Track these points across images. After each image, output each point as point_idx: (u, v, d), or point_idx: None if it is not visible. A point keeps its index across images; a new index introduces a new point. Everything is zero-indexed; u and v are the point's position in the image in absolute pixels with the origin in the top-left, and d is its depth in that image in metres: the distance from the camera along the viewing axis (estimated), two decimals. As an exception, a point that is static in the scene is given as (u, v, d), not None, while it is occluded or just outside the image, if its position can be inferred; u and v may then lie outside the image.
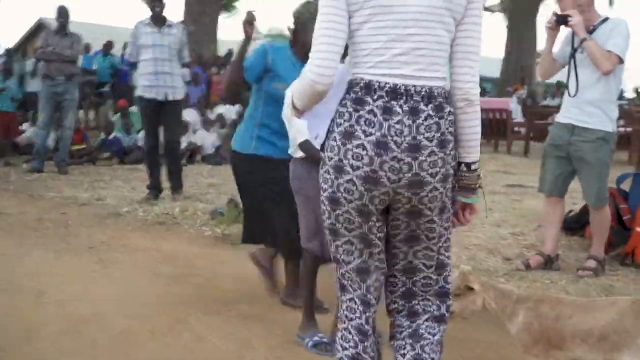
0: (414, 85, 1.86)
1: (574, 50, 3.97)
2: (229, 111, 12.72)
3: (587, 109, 4.01)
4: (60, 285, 3.86)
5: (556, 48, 4.25)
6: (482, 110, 9.15)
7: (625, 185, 4.92)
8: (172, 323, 3.34)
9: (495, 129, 12.16)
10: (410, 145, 1.83)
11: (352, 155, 1.85)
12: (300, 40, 3.30)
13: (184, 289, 3.90)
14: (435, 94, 1.88)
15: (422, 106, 1.85)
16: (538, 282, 4.18)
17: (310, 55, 1.93)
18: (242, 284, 4.03)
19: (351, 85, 1.92)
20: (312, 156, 3.01)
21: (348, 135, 1.86)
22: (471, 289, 2.55)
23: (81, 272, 4.18)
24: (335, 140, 1.89)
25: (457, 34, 1.93)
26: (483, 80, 20.79)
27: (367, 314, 2.07)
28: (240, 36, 3.61)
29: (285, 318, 3.45)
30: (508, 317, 2.53)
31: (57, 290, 3.77)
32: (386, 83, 1.85)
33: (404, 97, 1.84)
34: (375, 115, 1.84)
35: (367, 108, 1.85)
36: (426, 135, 1.84)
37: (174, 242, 5.07)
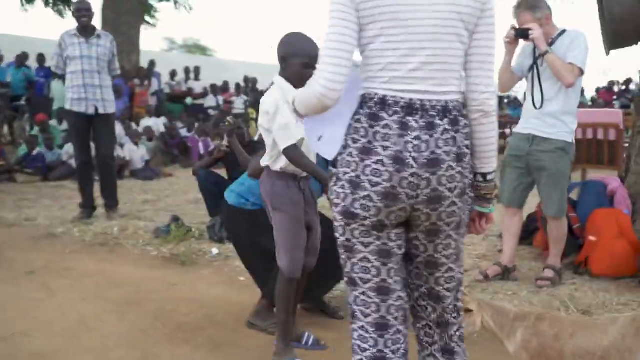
0: (430, 100, 1.83)
1: (535, 62, 4.01)
2: (156, 124, 12.34)
3: (547, 120, 4.06)
4: (5, 319, 3.52)
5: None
6: None
7: (573, 195, 5.03)
8: (140, 357, 3.10)
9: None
10: (429, 160, 1.80)
11: (371, 172, 1.81)
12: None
13: (141, 317, 3.65)
14: (450, 107, 1.85)
15: (437, 121, 1.82)
16: (500, 294, 4.17)
17: (318, 67, 1.85)
18: (200, 308, 3.82)
19: (365, 100, 1.87)
20: (299, 164, 2.92)
21: (366, 151, 1.81)
22: (469, 310, 2.48)
23: (26, 301, 3.83)
24: (352, 156, 1.84)
25: (471, 43, 1.89)
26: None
27: (384, 338, 1.94)
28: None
29: (258, 343, 3.29)
30: (506, 335, 2.48)
31: (2, 324, 3.43)
32: (401, 98, 1.82)
33: (420, 113, 1.81)
34: (391, 130, 1.80)
35: (382, 123, 1.81)
36: (444, 149, 1.81)
37: (119, 264, 4.77)
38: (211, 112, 14.22)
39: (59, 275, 4.42)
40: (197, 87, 15.18)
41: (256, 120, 5.74)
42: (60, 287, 4.14)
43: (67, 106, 6.26)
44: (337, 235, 1.95)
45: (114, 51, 6.46)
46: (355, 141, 1.84)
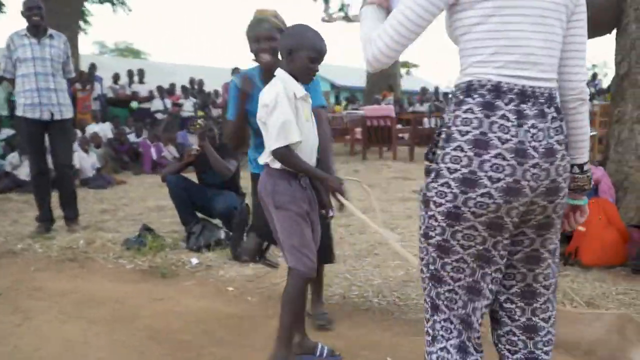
0: (539, 87, 1.73)
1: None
2: (103, 130, 11.84)
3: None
4: (-20, 348, 3.17)
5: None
6: (369, 118, 9.38)
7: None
8: (144, 382, 2.83)
9: (380, 136, 12.28)
10: (547, 149, 1.71)
11: (491, 167, 1.67)
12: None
13: (132, 336, 3.35)
14: (554, 95, 1.78)
15: (546, 109, 1.73)
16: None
17: (384, 26, 1.76)
18: (194, 323, 3.56)
19: (473, 87, 1.73)
20: (290, 165, 2.76)
21: (482, 144, 1.67)
22: None
23: (0, 327, 3.48)
24: (462, 150, 1.69)
25: (567, 31, 1.81)
26: (355, 90, 21.40)
27: (469, 334, 1.83)
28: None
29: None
30: None
31: (-22, 354, 3.10)
32: (515, 85, 1.70)
33: (532, 100, 1.71)
34: (508, 120, 1.68)
35: (500, 113, 1.68)
36: (555, 138, 1.73)
37: (94, 280, 4.44)
38: (159, 115, 13.77)
39: (29, 296, 4.06)
40: (142, 90, 14.70)
41: (205, 122, 5.48)
42: (35, 309, 3.78)
43: (19, 112, 5.84)
44: (431, 233, 1.79)
45: (68, 52, 6.09)
46: (463, 133, 1.70)
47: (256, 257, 4.87)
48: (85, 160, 9.62)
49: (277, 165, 2.78)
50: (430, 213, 1.77)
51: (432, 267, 1.83)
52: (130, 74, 15.09)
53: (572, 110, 1.84)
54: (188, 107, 14.03)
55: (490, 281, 1.80)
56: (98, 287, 4.22)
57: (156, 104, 14.44)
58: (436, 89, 21.81)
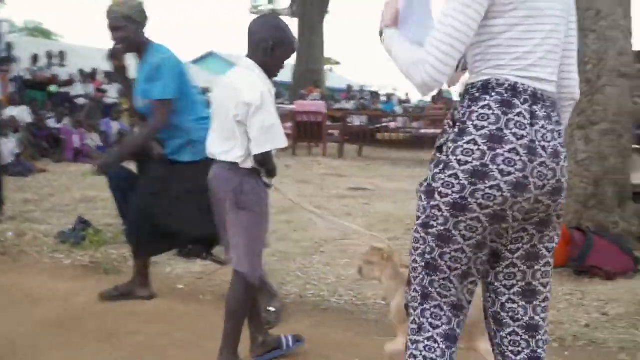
0: (547, 91, 1.82)
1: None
2: (20, 113, 11.20)
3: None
4: None
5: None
6: (299, 113, 9.44)
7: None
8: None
9: (310, 132, 12.25)
10: (554, 150, 1.79)
11: (504, 160, 1.72)
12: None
13: (84, 339, 3.15)
14: (556, 99, 1.87)
15: (551, 112, 1.82)
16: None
17: (429, 47, 1.74)
18: (145, 323, 3.41)
19: (491, 85, 1.79)
20: (269, 169, 2.74)
21: (496, 139, 1.73)
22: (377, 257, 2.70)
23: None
24: (476, 144, 1.74)
25: (566, 33, 1.89)
26: (280, 85, 21.09)
27: (459, 319, 1.92)
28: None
29: None
30: (390, 295, 2.71)
31: None
32: (529, 87, 1.78)
33: (541, 102, 1.79)
34: (525, 118, 1.75)
35: (517, 111, 1.75)
36: (559, 141, 1.82)
37: (30, 275, 4.16)
38: (81, 100, 13.16)
39: (-41, 292, 3.76)
40: (63, 73, 14.03)
41: (129, 110, 5.30)
42: (-31, 307, 3.51)
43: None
44: (432, 222, 1.82)
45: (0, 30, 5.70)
46: (479, 127, 1.75)
47: (203, 254, 4.74)
48: (5, 146, 9.04)
49: (248, 164, 2.69)
50: (433, 203, 1.81)
51: (428, 257, 1.86)
52: (49, 55, 14.36)
53: (562, 109, 1.94)
54: (112, 93, 13.49)
55: (480, 263, 1.88)
56: (37, 284, 3.97)
57: (77, 89, 13.81)
58: (361, 87, 22.12)
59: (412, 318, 1.94)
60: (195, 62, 29.45)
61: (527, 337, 1.93)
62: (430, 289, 1.88)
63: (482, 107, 1.77)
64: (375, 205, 7.18)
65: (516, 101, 1.76)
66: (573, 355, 3.14)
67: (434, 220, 1.81)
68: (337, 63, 43.93)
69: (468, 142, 1.75)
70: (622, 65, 4.96)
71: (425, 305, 1.90)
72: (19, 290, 3.84)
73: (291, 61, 21.98)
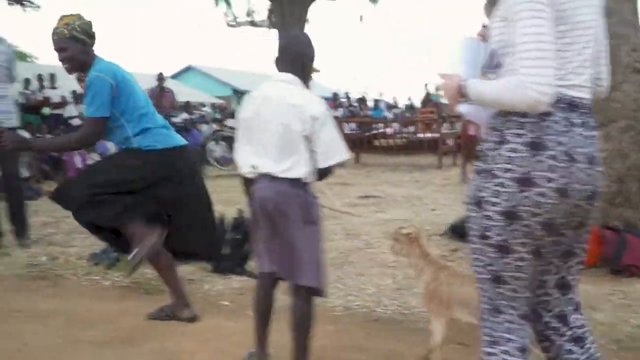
0: (583, 98, 1.88)
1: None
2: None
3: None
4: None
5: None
6: None
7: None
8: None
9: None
10: (590, 157, 1.84)
11: (546, 167, 1.78)
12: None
13: (147, 360, 3.17)
14: (592, 105, 1.92)
15: (586, 118, 1.87)
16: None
17: (523, 67, 1.76)
18: (203, 341, 3.41)
19: None
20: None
21: (537, 146, 1.79)
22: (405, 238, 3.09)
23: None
24: (517, 152, 1.81)
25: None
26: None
27: (536, 327, 2.07)
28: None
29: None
30: (418, 273, 3.07)
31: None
32: (565, 94, 1.84)
33: (578, 111, 1.85)
34: (561, 126, 1.81)
35: (553, 118, 1.81)
36: (595, 147, 1.87)
37: (73, 299, 4.14)
38: (76, 121, 13.08)
39: (14, 318, 3.74)
40: (54, 95, 13.95)
41: None
42: (25, 332, 3.49)
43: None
44: (487, 233, 1.86)
45: (14, 57, 5.71)
46: (519, 136, 1.80)
47: (236, 269, 4.76)
48: (11, 170, 8.99)
49: (311, 179, 2.73)
50: (485, 213, 1.85)
51: (490, 268, 1.90)
52: (40, 78, 14.29)
53: None
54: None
55: (540, 272, 1.96)
56: (83, 307, 3.95)
57: (70, 110, 13.74)
58: (346, 94, 22.20)
59: (485, 329, 1.98)
60: (175, 76, 29.39)
61: (562, 324, 2.04)
62: (498, 301, 1.93)
63: (520, 116, 1.81)
64: (389, 213, 7.23)
65: (552, 109, 1.80)
66: (636, 357, 3.16)
67: (489, 231, 1.85)
68: (317, 71, 44.21)
69: (509, 150, 1.81)
70: (635, 60, 5.05)
71: (497, 319, 1.94)
72: (66, 314, 3.83)
73: (267, 72, 22.06)
